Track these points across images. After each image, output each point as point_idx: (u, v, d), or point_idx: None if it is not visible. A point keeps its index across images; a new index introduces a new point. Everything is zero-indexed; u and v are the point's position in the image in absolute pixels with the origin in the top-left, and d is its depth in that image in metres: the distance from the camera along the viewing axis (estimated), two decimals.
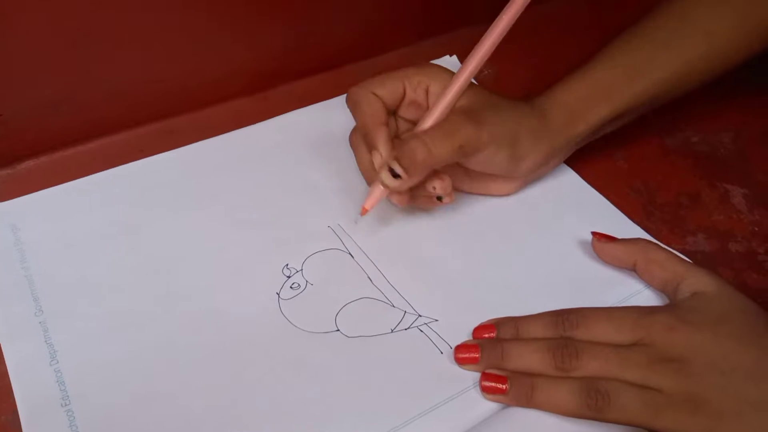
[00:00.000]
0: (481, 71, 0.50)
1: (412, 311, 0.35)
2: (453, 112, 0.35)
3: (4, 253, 0.37)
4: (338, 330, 0.34)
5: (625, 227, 0.40)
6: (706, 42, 0.40)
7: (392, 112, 0.38)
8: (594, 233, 0.38)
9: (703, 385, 0.29)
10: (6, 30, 0.37)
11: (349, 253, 0.38)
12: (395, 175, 0.34)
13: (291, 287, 0.36)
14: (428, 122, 0.35)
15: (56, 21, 0.37)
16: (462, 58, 0.51)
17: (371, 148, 0.36)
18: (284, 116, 0.46)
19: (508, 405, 0.31)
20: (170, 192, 0.40)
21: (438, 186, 0.36)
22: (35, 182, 0.40)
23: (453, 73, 0.36)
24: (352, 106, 0.38)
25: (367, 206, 0.36)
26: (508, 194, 0.41)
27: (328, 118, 0.46)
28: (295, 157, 0.43)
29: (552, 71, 0.42)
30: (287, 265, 0.37)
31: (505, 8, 0.34)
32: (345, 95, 0.47)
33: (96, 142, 0.43)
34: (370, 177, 0.37)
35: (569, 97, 0.39)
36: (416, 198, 0.37)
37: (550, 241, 0.39)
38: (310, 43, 0.48)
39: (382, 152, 0.35)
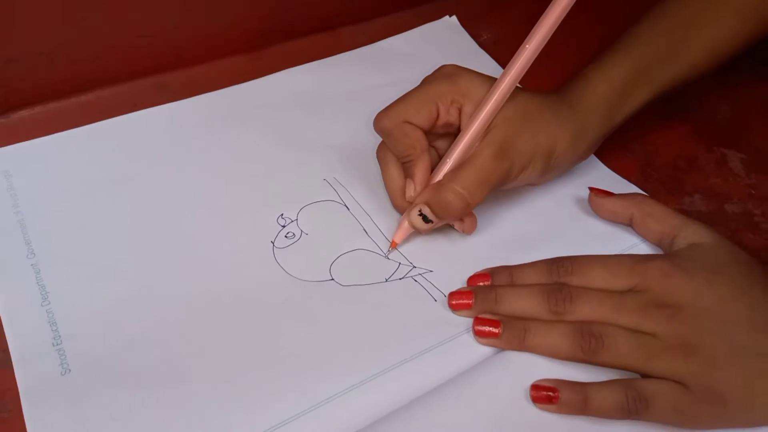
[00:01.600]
0: (479, 35, 0.51)
1: (407, 263, 0.35)
2: (486, 145, 0.33)
3: None
4: (332, 279, 0.34)
5: (621, 188, 0.40)
6: (737, 20, 0.39)
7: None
8: (591, 188, 0.38)
9: (697, 330, 0.29)
10: None
11: (345, 205, 0.38)
12: (425, 219, 0.34)
13: (286, 236, 0.36)
14: (458, 152, 0.34)
15: None
16: (461, 20, 0.51)
17: (408, 176, 0.35)
18: (278, 74, 0.46)
19: (501, 349, 0.31)
20: (163, 144, 0.40)
21: (459, 227, 0.35)
22: (29, 132, 0.40)
23: (487, 86, 0.34)
24: (384, 135, 0.35)
25: (396, 240, 0.35)
26: (536, 186, 0.39)
27: (322, 77, 0.46)
28: (288, 114, 0.43)
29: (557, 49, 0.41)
30: (282, 214, 0.37)
31: (534, 28, 0.32)
32: (339, 56, 0.48)
33: (90, 95, 0.43)
34: (397, 200, 0.36)
35: (606, 86, 0.37)
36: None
37: (547, 198, 0.39)
38: (307, 3, 0.48)
39: (417, 186, 0.34)
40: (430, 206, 0.33)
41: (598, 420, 0.29)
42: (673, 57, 0.39)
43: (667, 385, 0.29)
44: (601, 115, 0.38)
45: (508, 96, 0.33)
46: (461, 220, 0.35)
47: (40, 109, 0.42)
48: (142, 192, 0.37)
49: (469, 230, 0.36)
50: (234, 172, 0.39)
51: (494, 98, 0.33)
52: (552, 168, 0.36)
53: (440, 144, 0.37)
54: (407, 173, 0.35)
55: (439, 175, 0.34)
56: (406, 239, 0.36)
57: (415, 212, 0.34)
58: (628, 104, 0.38)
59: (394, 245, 0.36)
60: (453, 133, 0.35)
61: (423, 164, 0.34)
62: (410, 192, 0.35)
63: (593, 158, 0.42)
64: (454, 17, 0.51)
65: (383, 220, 0.37)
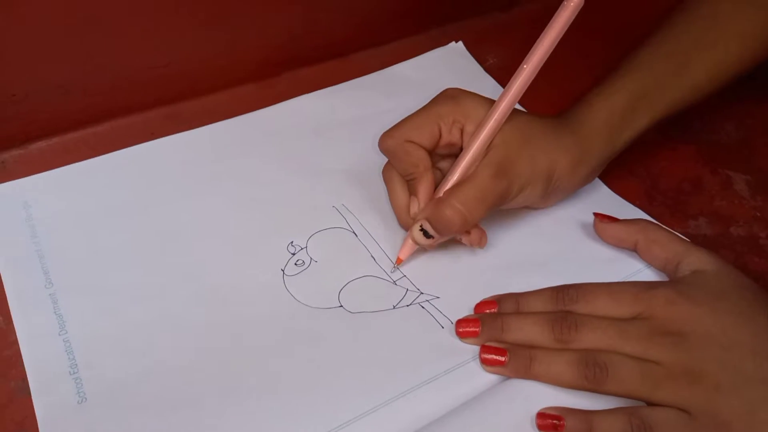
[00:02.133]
0: (485, 60, 0.52)
1: (414, 289, 0.36)
2: (485, 165, 0.34)
3: (16, 229, 0.37)
4: (341, 306, 0.35)
5: (625, 212, 0.40)
6: (739, 44, 0.39)
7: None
8: (596, 214, 0.38)
9: (702, 358, 0.30)
10: (19, 15, 0.37)
11: (353, 232, 0.39)
12: (426, 234, 0.34)
13: (295, 264, 0.37)
14: (458, 172, 0.35)
15: (66, 6, 0.38)
16: (468, 48, 0.52)
17: (412, 193, 0.35)
18: (289, 102, 0.46)
19: (507, 377, 0.32)
20: (177, 173, 0.41)
21: (466, 240, 0.36)
22: (47, 162, 0.41)
23: (488, 107, 0.35)
24: (389, 154, 0.36)
25: (401, 256, 0.36)
26: (539, 209, 0.40)
27: (333, 104, 0.46)
28: (299, 141, 0.44)
29: (554, 62, 0.42)
30: (292, 242, 0.38)
31: (532, 49, 0.33)
32: (350, 81, 0.49)
33: (105, 125, 0.44)
34: (403, 221, 0.37)
35: (609, 112, 0.38)
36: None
37: (552, 224, 0.39)
38: (316, 31, 0.49)
39: (420, 203, 0.35)
40: (430, 222, 0.34)
41: None
42: (675, 81, 0.39)
43: (671, 413, 0.29)
44: (603, 139, 0.38)
45: (507, 115, 0.34)
46: (467, 233, 0.36)
47: (58, 139, 0.43)
48: (156, 220, 0.38)
49: (478, 244, 0.36)
50: (246, 199, 0.40)
51: (494, 117, 0.34)
52: (553, 191, 0.37)
53: (444, 165, 0.37)
54: (411, 191, 0.36)
55: (441, 193, 0.35)
56: (412, 256, 0.37)
57: (416, 228, 0.34)
58: (630, 129, 0.39)
59: (399, 261, 0.36)
60: (456, 154, 0.36)
61: (426, 182, 0.35)
62: (414, 209, 0.35)
63: (598, 182, 0.42)
64: (460, 43, 0.51)
65: (391, 247, 0.38)
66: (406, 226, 0.37)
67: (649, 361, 0.30)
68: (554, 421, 0.29)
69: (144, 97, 0.44)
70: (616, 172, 0.43)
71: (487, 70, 0.50)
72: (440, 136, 0.35)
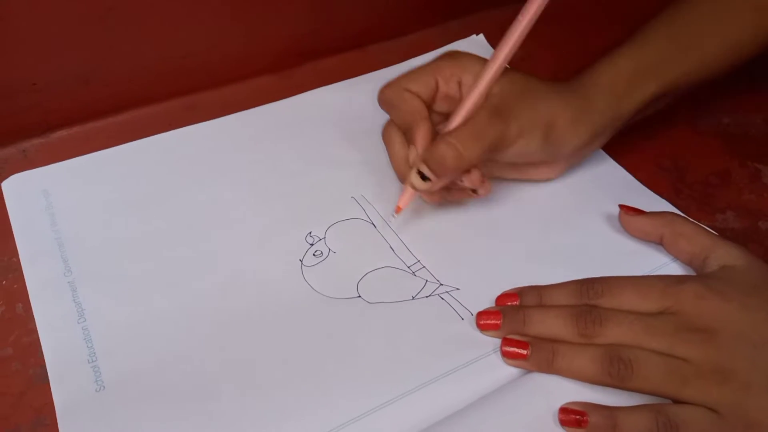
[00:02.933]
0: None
1: (434, 280, 0.35)
2: (483, 107, 0.34)
3: (36, 217, 0.37)
4: (360, 296, 0.35)
5: (652, 203, 0.39)
6: (755, 18, 0.39)
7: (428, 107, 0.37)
8: (621, 206, 0.37)
9: (732, 356, 0.29)
10: (39, 5, 0.38)
11: (372, 223, 0.38)
12: (424, 178, 0.34)
13: (314, 254, 0.36)
14: (457, 119, 0.34)
15: None
16: (489, 39, 0.51)
17: (410, 142, 0.35)
18: (307, 93, 0.46)
19: (528, 371, 0.31)
20: (196, 163, 0.41)
21: (467, 180, 0.35)
22: (67, 151, 0.41)
23: (485, 63, 0.35)
24: (387, 106, 0.37)
25: (401, 204, 0.36)
26: (549, 179, 0.40)
27: (351, 96, 0.46)
28: (317, 133, 0.43)
29: (581, 57, 0.41)
30: (310, 233, 0.37)
31: (527, 3, 0.33)
32: (368, 74, 0.48)
33: (125, 115, 0.44)
34: (402, 173, 0.37)
35: (614, 75, 0.37)
36: (450, 193, 0.37)
37: (576, 216, 0.39)
38: (335, 22, 0.48)
39: (419, 150, 0.35)
40: (426, 163, 0.34)
41: None
42: (686, 54, 0.38)
43: (699, 412, 0.28)
44: (606, 100, 0.37)
45: (506, 61, 0.34)
46: (468, 172, 0.35)
47: (78, 129, 0.43)
48: (175, 210, 0.38)
49: (480, 185, 0.35)
50: (264, 190, 0.40)
51: (493, 67, 0.34)
52: (553, 144, 0.36)
53: (442, 126, 0.37)
54: (409, 140, 0.35)
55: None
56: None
57: (414, 172, 0.34)
58: (636, 95, 0.38)
59: (398, 210, 0.36)
60: (449, 111, 0.36)
61: (423, 129, 0.35)
62: (412, 156, 0.35)
63: (624, 172, 0.41)
64: (481, 36, 0.51)
65: (410, 238, 0.37)
66: (404, 179, 0.37)
67: (677, 357, 0.29)
68: (577, 417, 0.29)
69: (163, 87, 0.44)
70: (643, 164, 0.42)
71: (509, 62, 0.50)
72: (437, 88, 0.36)
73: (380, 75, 0.48)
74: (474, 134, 0.33)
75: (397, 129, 0.37)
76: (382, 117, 0.44)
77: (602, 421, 0.28)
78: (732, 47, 0.39)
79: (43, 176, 0.40)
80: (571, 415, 0.29)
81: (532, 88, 0.36)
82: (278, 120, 0.44)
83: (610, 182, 0.41)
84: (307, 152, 0.42)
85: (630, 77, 0.37)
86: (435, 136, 0.35)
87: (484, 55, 0.49)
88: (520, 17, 0.33)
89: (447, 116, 0.37)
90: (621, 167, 0.42)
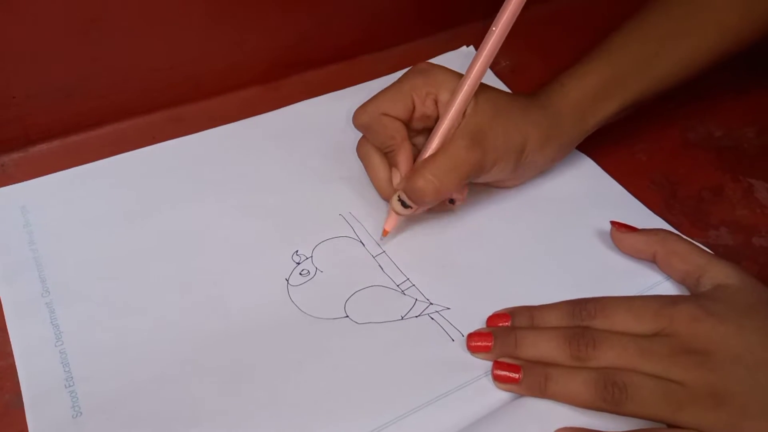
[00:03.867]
0: (497, 63, 0.50)
1: (423, 299, 0.35)
2: (459, 134, 0.34)
3: (13, 234, 0.36)
4: (347, 316, 0.34)
5: (645, 218, 0.39)
6: (717, 33, 0.39)
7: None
8: (613, 222, 0.37)
9: (728, 379, 0.28)
10: (20, 16, 0.37)
11: (360, 241, 0.37)
12: (405, 205, 0.35)
13: (300, 273, 0.35)
14: (435, 142, 0.35)
15: (67, 7, 0.38)
16: (478, 48, 0.50)
17: (393, 165, 0.36)
18: (293, 106, 0.45)
19: (520, 395, 0.30)
20: (179, 178, 0.40)
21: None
22: (47, 166, 0.40)
23: (460, 78, 0.35)
24: (364, 129, 0.36)
25: (387, 228, 0.36)
26: (512, 187, 0.40)
27: (338, 109, 0.45)
28: (304, 147, 0.43)
29: (566, 64, 0.41)
30: (297, 251, 0.36)
31: (498, 15, 0.33)
32: (357, 86, 0.47)
33: (107, 128, 0.43)
34: (384, 192, 0.37)
35: (581, 93, 0.38)
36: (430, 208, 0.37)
37: (568, 232, 0.38)
38: (323, 33, 0.48)
39: (401, 173, 0.35)
40: (405, 192, 0.34)
41: None
42: (648, 68, 0.39)
43: None
44: (574, 118, 0.38)
45: (482, 77, 0.34)
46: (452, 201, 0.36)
47: (59, 143, 0.42)
48: (159, 227, 0.37)
49: (458, 201, 0.37)
50: (250, 206, 0.39)
51: (468, 81, 0.34)
52: (523, 165, 0.37)
53: (419, 140, 0.37)
54: (391, 163, 0.36)
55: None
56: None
57: (395, 198, 0.35)
58: (601, 110, 0.38)
59: (385, 233, 0.36)
60: (430, 128, 0.36)
61: (405, 152, 0.35)
62: (396, 180, 0.36)
63: (619, 187, 0.41)
64: (471, 47, 0.50)
65: (398, 255, 0.37)
66: (388, 198, 0.37)
67: (672, 381, 0.28)
68: None
69: (147, 99, 0.43)
70: (634, 178, 0.41)
71: (499, 73, 0.49)
72: (414, 108, 0.35)
73: (369, 86, 0.47)
74: (451, 166, 0.34)
75: (374, 147, 0.36)
76: None
77: None
78: (694, 61, 0.40)
79: (22, 192, 0.39)
80: None
81: (504, 109, 0.36)
82: (265, 132, 0.43)
83: (603, 196, 0.40)
84: (295, 167, 0.41)
85: (595, 94, 0.38)
86: (415, 155, 0.36)
87: None
88: (493, 27, 0.33)
89: (424, 131, 0.37)
90: (615, 181, 0.41)
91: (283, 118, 0.45)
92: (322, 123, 0.44)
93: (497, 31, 0.33)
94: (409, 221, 0.38)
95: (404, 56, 0.50)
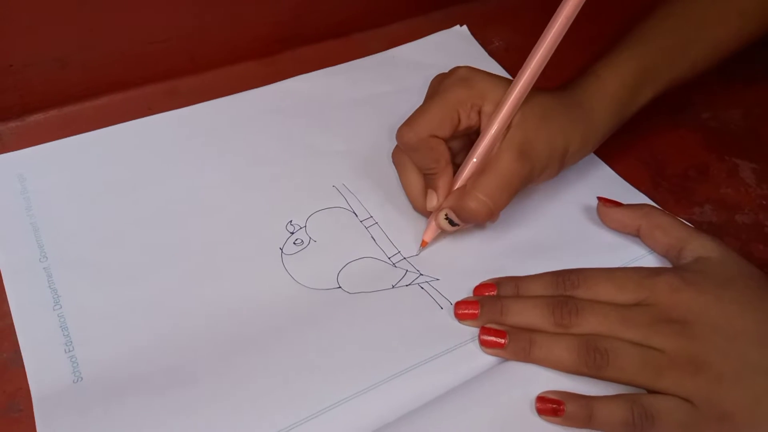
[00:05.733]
0: (490, 42, 0.51)
1: (414, 270, 0.35)
2: (506, 146, 0.33)
3: (11, 201, 0.37)
4: (340, 287, 0.35)
5: (630, 196, 0.40)
6: (739, 21, 0.40)
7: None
8: (599, 198, 0.37)
9: (706, 347, 0.29)
10: None
11: (354, 212, 0.38)
12: (452, 223, 0.34)
13: (294, 243, 0.36)
14: (478, 157, 0.34)
15: None
16: (473, 30, 0.51)
17: (431, 187, 0.35)
18: (288, 80, 0.46)
19: (506, 359, 0.31)
20: (175, 149, 0.41)
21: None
22: (43, 135, 0.40)
23: (505, 87, 0.34)
24: (410, 150, 0.35)
25: (426, 239, 0.36)
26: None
27: (333, 84, 0.46)
28: (298, 120, 0.43)
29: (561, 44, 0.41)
30: (291, 221, 0.37)
31: (550, 22, 0.32)
32: (350, 62, 0.48)
33: (103, 99, 0.43)
34: (418, 203, 0.37)
35: (618, 84, 0.38)
36: None
37: (554, 207, 0.39)
38: (319, 10, 0.48)
39: (440, 197, 0.35)
40: (455, 212, 0.34)
41: None
42: (679, 58, 0.39)
43: (673, 402, 0.28)
44: (611, 112, 0.38)
45: (527, 92, 0.33)
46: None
47: (55, 112, 0.42)
48: (153, 196, 0.38)
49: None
50: (244, 177, 0.39)
51: (514, 94, 0.33)
52: (564, 166, 0.37)
53: (453, 144, 0.36)
54: (430, 185, 0.35)
55: (462, 177, 0.35)
56: (436, 238, 0.36)
57: (442, 216, 0.35)
58: (636, 102, 0.38)
59: (424, 244, 0.36)
60: (468, 134, 0.36)
61: (447, 177, 0.35)
62: (432, 203, 0.35)
63: (603, 165, 0.42)
64: (464, 27, 0.51)
65: (391, 228, 0.37)
66: (420, 211, 0.37)
67: (652, 348, 0.29)
68: (554, 406, 0.29)
69: (143, 71, 0.44)
70: (622, 156, 0.42)
71: (492, 53, 0.50)
72: (459, 123, 0.35)
73: (361, 63, 0.48)
74: (502, 184, 0.33)
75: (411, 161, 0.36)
76: (364, 107, 0.44)
77: (578, 410, 0.29)
78: (718, 50, 0.40)
79: (19, 160, 0.39)
80: (547, 403, 0.29)
81: (547, 114, 0.35)
82: (260, 107, 0.44)
83: (589, 175, 0.41)
84: (288, 140, 0.42)
85: (632, 87, 0.38)
86: (455, 177, 0.35)
87: (467, 46, 0.50)
88: (541, 41, 0.33)
89: (462, 140, 0.37)
90: (601, 160, 0.42)
91: (278, 92, 0.45)
92: (316, 98, 0.45)
93: (546, 43, 0.32)
94: (404, 201, 0.39)
95: (397, 34, 0.50)
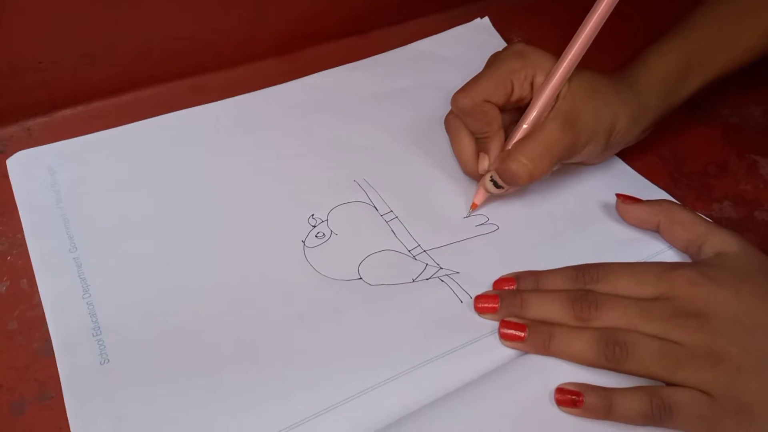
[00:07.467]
0: (510, 39, 0.51)
1: (434, 264, 0.36)
2: (553, 116, 0.35)
3: (41, 193, 0.38)
4: (361, 278, 0.35)
5: (649, 193, 0.40)
6: None
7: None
8: (618, 195, 0.38)
9: (725, 340, 0.29)
10: None
11: (374, 206, 0.39)
12: (497, 185, 0.36)
13: (316, 236, 0.37)
14: (527, 125, 0.36)
15: None
16: (493, 23, 0.51)
17: (483, 150, 0.37)
18: (311, 77, 0.46)
19: (525, 352, 0.31)
20: (200, 144, 0.41)
21: None
22: (72, 130, 0.41)
23: (556, 60, 0.35)
24: (463, 114, 0.37)
25: (477, 202, 0.38)
26: (595, 164, 0.41)
27: (355, 79, 0.46)
28: (320, 116, 0.44)
29: (606, 38, 0.41)
30: (313, 215, 0.38)
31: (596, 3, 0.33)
32: (371, 58, 0.48)
33: (129, 95, 0.44)
34: (469, 167, 0.38)
35: (665, 69, 0.38)
36: None
37: (574, 203, 0.39)
38: (340, 6, 0.48)
39: (491, 160, 0.37)
40: (498, 174, 0.36)
41: (622, 425, 0.29)
42: (728, 44, 0.39)
43: (692, 395, 0.29)
44: (659, 97, 0.38)
45: (576, 63, 0.34)
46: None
47: (83, 108, 0.43)
48: (178, 190, 0.39)
49: None
50: (268, 172, 0.40)
51: (564, 65, 0.34)
52: (611, 146, 0.38)
53: (505, 116, 0.38)
54: (482, 148, 0.37)
55: (512, 143, 0.36)
56: (485, 203, 0.38)
57: (488, 178, 0.36)
58: (684, 89, 0.39)
59: (474, 207, 0.38)
60: (520, 108, 0.37)
61: (499, 140, 0.36)
62: (484, 165, 0.37)
63: (621, 162, 0.42)
64: (486, 19, 0.51)
65: (411, 222, 0.38)
66: (472, 175, 0.39)
67: (671, 341, 0.30)
68: (573, 397, 0.29)
69: (168, 68, 0.45)
70: (641, 153, 0.42)
71: None
72: (512, 92, 0.36)
73: (383, 58, 0.48)
74: (545, 150, 0.35)
75: (463, 124, 0.37)
76: (386, 101, 0.45)
77: (598, 402, 0.29)
78: (765, 39, 0.40)
79: (49, 153, 0.40)
80: (567, 395, 0.29)
81: (596, 89, 0.36)
82: (283, 103, 0.45)
83: (608, 172, 0.41)
84: (310, 135, 0.42)
85: (679, 73, 0.38)
86: (505, 143, 0.37)
87: (488, 39, 0.50)
88: (591, 13, 0.33)
89: (515, 113, 0.38)
90: (618, 158, 0.42)
91: (300, 88, 0.46)
92: (339, 93, 0.45)
93: (595, 16, 0.33)
94: (424, 191, 0.39)
95: (418, 30, 0.51)
